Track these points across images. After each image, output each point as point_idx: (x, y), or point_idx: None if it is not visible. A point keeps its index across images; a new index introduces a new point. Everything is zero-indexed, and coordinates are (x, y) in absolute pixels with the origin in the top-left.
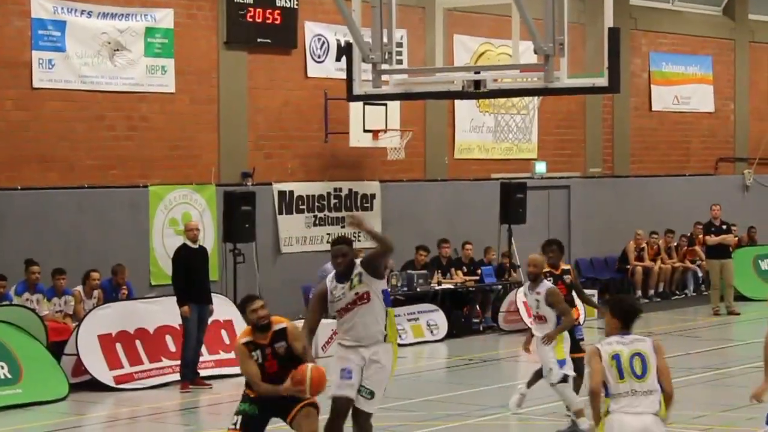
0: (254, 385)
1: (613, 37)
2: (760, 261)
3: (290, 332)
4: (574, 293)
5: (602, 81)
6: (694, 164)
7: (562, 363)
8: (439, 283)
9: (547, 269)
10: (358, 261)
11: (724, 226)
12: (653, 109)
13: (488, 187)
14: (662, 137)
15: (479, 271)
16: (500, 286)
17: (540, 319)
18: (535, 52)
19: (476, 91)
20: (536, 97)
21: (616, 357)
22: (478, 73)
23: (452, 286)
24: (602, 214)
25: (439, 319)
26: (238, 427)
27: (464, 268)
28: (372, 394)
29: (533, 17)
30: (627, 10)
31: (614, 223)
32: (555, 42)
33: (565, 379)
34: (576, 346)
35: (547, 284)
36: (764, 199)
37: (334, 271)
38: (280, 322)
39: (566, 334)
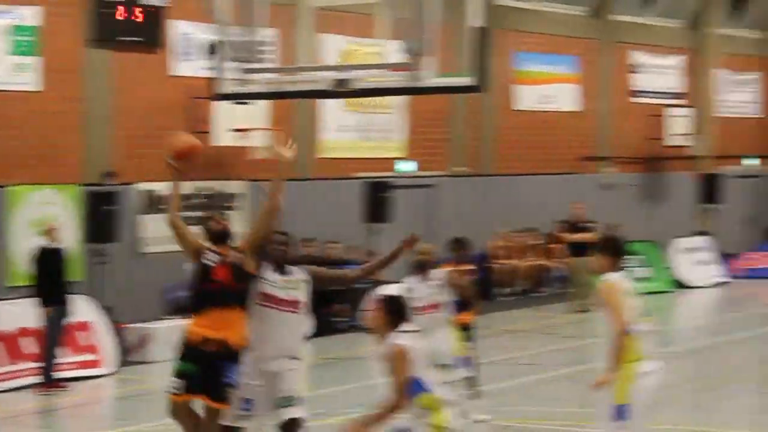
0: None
1: (480, 37)
2: None
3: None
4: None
5: (468, 80)
6: (558, 163)
7: (463, 361)
8: None
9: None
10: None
11: (586, 225)
12: (518, 108)
13: (354, 186)
14: (527, 136)
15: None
16: (365, 286)
17: (433, 308)
18: (402, 52)
19: (343, 91)
20: (402, 96)
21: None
22: (345, 72)
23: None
24: (468, 213)
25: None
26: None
27: (329, 267)
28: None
29: (401, 17)
30: (493, 10)
31: (479, 222)
32: (422, 41)
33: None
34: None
35: (441, 270)
36: (625, 197)
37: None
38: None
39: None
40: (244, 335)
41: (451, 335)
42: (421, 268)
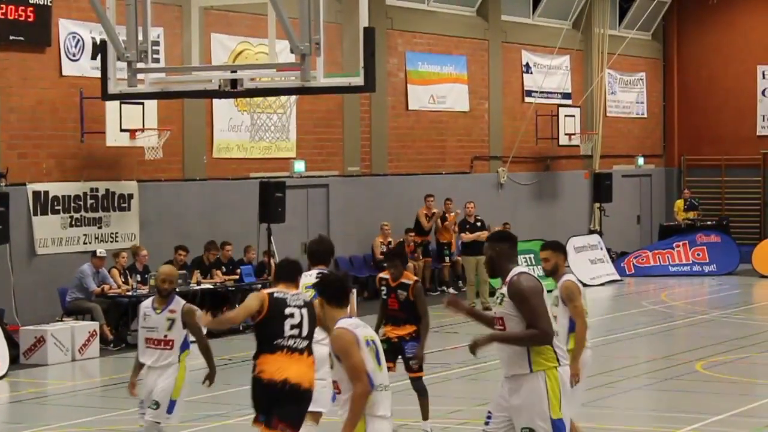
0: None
1: (368, 37)
2: None
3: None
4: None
5: (358, 80)
6: (450, 163)
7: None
8: (199, 283)
9: (386, 277)
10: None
11: (479, 223)
12: (410, 108)
13: (247, 187)
14: (419, 136)
15: (239, 271)
16: (260, 285)
17: (165, 343)
18: (292, 52)
19: (233, 90)
20: (293, 96)
21: None
22: (235, 72)
23: (212, 286)
24: (361, 213)
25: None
26: None
27: (224, 267)
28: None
29: (290, 16)
30: (383, 10)
31: (373, 222)
32: (311, 41)
33: None
34: (408, 366)
35: (180, 300)
36: (518, 197)
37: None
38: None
39: None
40: None
41: None
42: (164, 295)
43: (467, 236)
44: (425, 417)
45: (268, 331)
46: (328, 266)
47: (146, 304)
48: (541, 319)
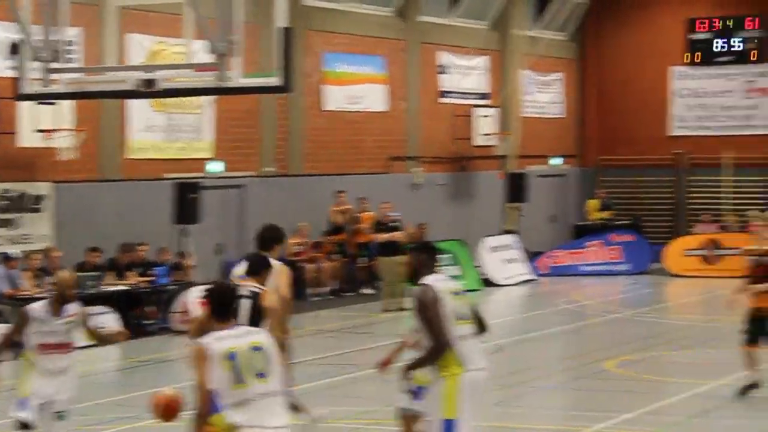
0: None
1: (285, 37)
2: None
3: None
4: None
5: (275, 81)
6: (367, 163)
7: None
8: (113, 285)
9: None
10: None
11: (394, 224)
12: (327, 108)
13: (163, 187)
14: (336, 136)
15: (154, 272)
16: (175, 287)
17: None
18: (209, 52)
19: (149, 91)
20: (209, 97)
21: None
22: (152, 72)
23: (126, 288)
24: (277, 213)
25: (111, 321)
26: None
27: (138, 269)
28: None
29: (207, 16)
30: (301, 11)
31: (289, 222)
32: (228, 41)
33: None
34: None
35: (75, 307)
36: (434, 197)
37: None
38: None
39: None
40: None
41: None
42: (60, 303)
43: (382, 236)
44: None
45: None
46: (277, 253)
47: (40, 309)
48: (432, 332)
